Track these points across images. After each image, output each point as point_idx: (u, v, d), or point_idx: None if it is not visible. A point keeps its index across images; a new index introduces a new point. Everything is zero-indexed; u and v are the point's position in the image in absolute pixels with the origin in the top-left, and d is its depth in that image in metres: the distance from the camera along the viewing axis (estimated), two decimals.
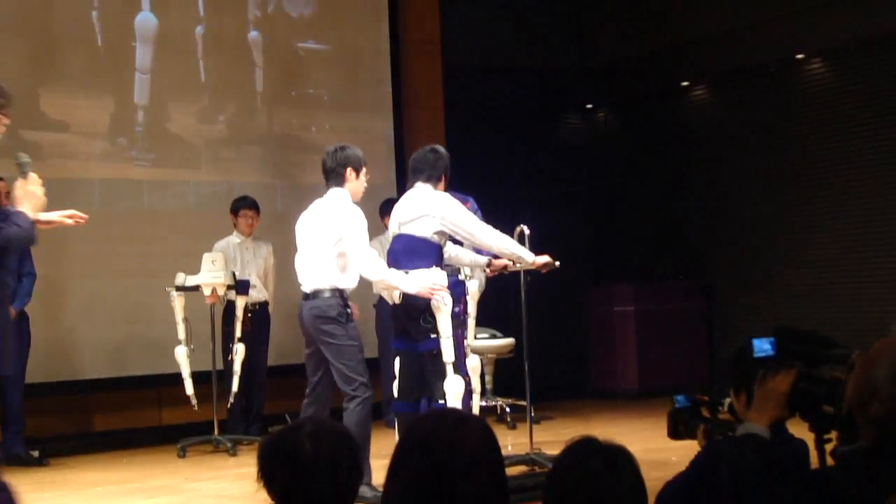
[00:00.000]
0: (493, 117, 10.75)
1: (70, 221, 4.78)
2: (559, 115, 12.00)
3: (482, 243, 6.17)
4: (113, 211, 8.52)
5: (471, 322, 6.62)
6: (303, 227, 6.04)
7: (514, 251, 6.10)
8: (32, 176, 4.40)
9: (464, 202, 6.47)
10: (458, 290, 6.42)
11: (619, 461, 2.26)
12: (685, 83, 11.14)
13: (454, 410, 2.31)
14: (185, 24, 8.98)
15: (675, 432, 3.11)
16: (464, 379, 6.09)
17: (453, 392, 5.93)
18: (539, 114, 11.50)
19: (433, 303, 5.91)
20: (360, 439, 5.28)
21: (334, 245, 5.81)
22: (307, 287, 5.89)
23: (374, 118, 9.91)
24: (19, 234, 4.41)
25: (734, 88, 10.67)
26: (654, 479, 5.97)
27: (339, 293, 5.83)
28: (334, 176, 5.93)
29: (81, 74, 8.54)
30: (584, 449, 2.28)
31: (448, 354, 5.90)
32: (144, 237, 8.52)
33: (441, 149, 6.27)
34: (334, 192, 5.92)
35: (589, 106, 12.14)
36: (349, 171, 5.92)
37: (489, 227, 6.14)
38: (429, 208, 6.00)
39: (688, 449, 3.21)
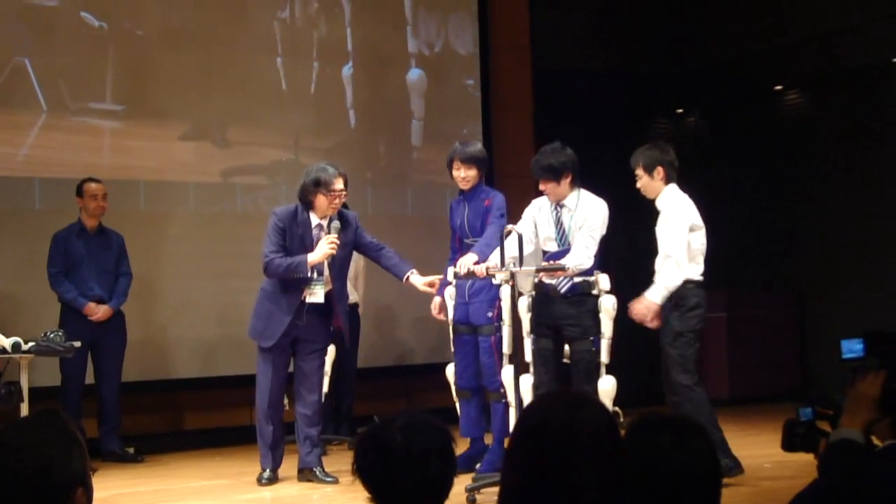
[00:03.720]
0: (582, 121, 10.71)
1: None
2: (649, 119, 11.91)
3: None
4: (207, 213, 8.70)
5: (506, 330, 6.19)
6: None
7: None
8: (329, 236, 6.29)
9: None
10: (491, 293, 6.41)
11: (689, 434, 2.21)
12: (778, 87, 10.99)
13: (571, 392, 2.21)
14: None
15: (790, 444, 3.02)
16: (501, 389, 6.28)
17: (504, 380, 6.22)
18: (629, 118, 11.43)
19: None
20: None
21: None
22: None
23: (463, 122, 9.94)
24: (280, 265, 6.30)
25: (828, 93, 10.49)
26: (748, 485, 5.89)
27: None
28: None
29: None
30: (651, 425, 2.23)
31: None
32: (238, 239, 8.63)
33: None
34: None
35: (679, 110, 12.04)
36: None
37: (492, 232, 6.33)
38: None
39: (783, 457, 3.16)
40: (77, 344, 6.93)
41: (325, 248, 6.30)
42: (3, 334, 6.55)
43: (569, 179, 6.26)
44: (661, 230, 6.34)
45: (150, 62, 8.66)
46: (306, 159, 9.25)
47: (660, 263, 6.29)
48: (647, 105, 11.72)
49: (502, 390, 6.25)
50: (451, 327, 6.63)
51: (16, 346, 6.50)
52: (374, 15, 9.62)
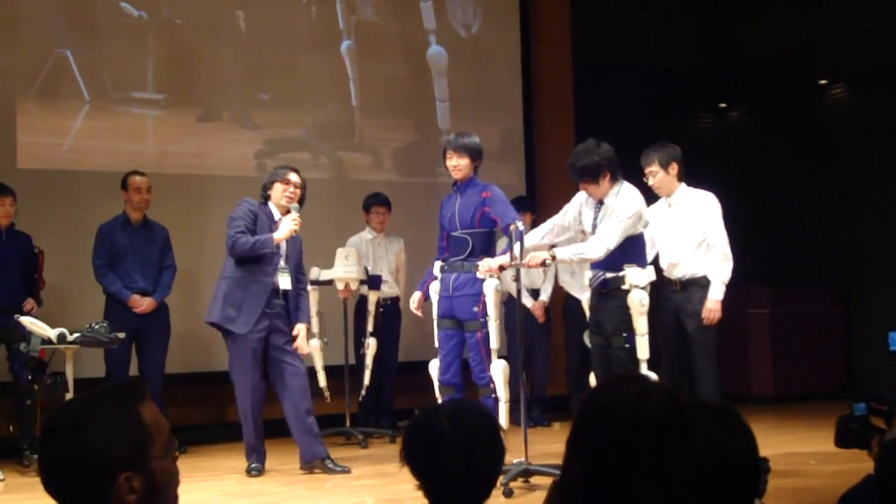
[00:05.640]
0: (624, 116, 10.65)
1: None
2: (692, 113, 11.84)
3: None
4: None
5: (492, 325, 6.15)
6: None
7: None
8: (293, 214, 6.55)
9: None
10: (475, 287, 6.25)
11: (731, 419, 2.21)
12: (823, 81, 10.88)
13: (639, 378, 2.12)
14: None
15: (843, 440, 2.97)
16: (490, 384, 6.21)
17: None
18: (671, 113, 11.36)
19: None
20: None
21: None
22: None
23: (505, 117, 9.92)
24: (247, 242, 6.45)
25: (873, 87, 10.38)
26: (788, 484, 5.84)
27: None
28: None
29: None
30: (693, 410, 2.20)
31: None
32: None
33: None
34: None
35: (722, 105, 11.96)
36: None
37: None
38: None
39: (828, 454, 3.13)
40: (121, 335, 6.98)
41: (289, 224, 6.54)
42: (49, 325, 6.61)
43: (607, 178, 5.99)
44: (694, 225, 6.46)
45: (189, 51, 8.75)
46: (346, 149, 9.29)
47: (680, 256, 6.45)
48: (690, 100, 11.65)
49: (492, 385, 6.17)
50: (435, 322, 6.48)
51: (61, 337, 6.56)
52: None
